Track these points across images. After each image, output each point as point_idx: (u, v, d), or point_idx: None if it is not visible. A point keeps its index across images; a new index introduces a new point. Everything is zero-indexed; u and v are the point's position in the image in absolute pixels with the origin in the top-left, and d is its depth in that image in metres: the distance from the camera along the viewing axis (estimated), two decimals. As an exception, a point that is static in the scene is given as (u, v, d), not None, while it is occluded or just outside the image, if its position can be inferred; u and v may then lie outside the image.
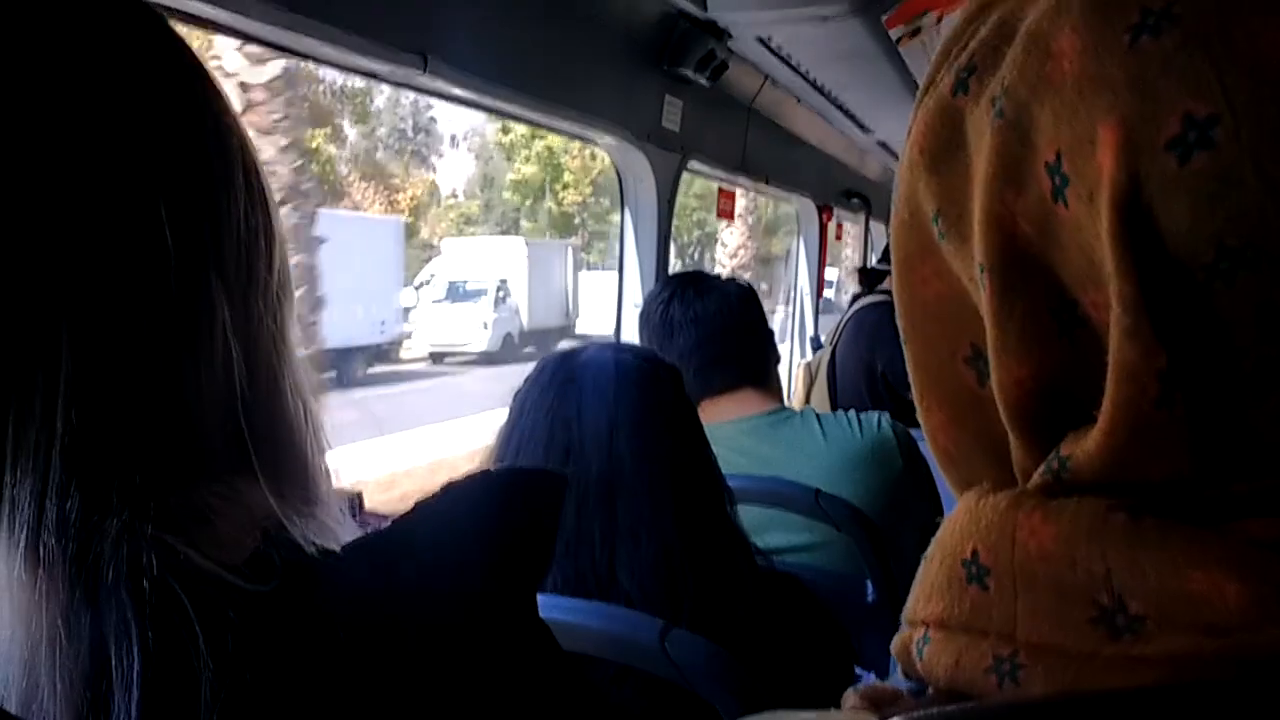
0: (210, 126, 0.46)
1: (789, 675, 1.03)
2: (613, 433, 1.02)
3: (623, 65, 2.12)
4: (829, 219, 4.26)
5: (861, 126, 3.64)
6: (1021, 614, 0.31)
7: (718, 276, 1.76)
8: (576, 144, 21.46)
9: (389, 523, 0.50)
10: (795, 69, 2.62)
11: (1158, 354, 0.28)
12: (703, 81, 2.28)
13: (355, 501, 0.53)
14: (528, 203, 28.27)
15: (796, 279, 4.44)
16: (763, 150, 3.16)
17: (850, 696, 0.41)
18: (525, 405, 1.07)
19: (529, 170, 27.15)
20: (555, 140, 23.70)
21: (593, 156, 24.71)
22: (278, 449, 0.47)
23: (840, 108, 3.24)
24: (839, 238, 4.74)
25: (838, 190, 4.40)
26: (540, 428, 1.04)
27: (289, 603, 0.43)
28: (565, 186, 27.23)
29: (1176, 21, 0.28)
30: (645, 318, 1.72)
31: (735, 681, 0.91)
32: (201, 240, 0.44)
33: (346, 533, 0.49)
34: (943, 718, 0.31)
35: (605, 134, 2.19)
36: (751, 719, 0.38)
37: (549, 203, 27.90)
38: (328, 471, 0.51)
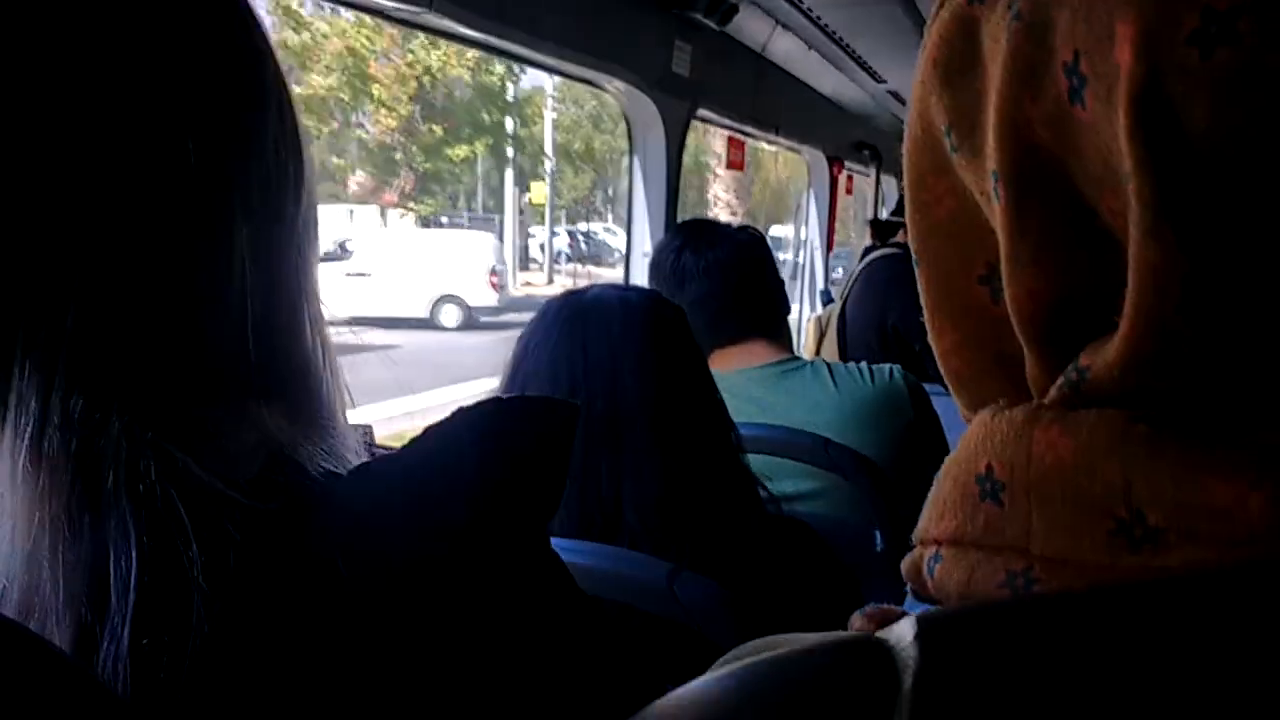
0: (245, 52, 0.46)
1: (795, 619, 1.03)
2: (618, 370, 1.03)
3: (631, 7, 2.08)
4: (839, 172, 4.23)
5: (873, 75, 3.60)
6: (1037, 528, 0.30)
7: (728, 225, 1.76)
8: (388, 36, 16.17)
9: (396, 450, 0.49)
10: (806, 14, 2.58)
11: (1179, 256, 0.27)
12: (712, 25, 2.24)
13: (366, 435, 0.53)
14: (327, 131, 17.54)
15: (807, 232, 4.41)
16: (773, 100, 3.13)
17: (856, 619, 0.41)
18: (530, 344, 1.07)
19: (327, 83, 16.39)
20: (362, 37, 16.01)
21: (411, 64, 17.12)
22: (293, 377, 0.47)
23: (851, 55, 3.20)
24: (849, 191, 4.70)
25: (849, 142, 4.36)
26: (545, 366, 1.04)
27: (289, 522, 0.43)
28: (378, 105, 17.68)
29: None
30: (656, 266, 1.71)
31: (743, 624, 0.91)
32: (226, 160, 0.44)
33: (357, 460, 0.48)
34: (962, 614, 0.30)
35: (614, 79, 2.17)
36: (754, 643, 0.38)
37: (359, 132, 18.85)
38: (344, 403, 0.51)
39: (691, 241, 1.67)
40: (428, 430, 0.48)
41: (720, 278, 1.65)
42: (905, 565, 0.36)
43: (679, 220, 2.46)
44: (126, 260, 0.41)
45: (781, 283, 1.78)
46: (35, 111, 0.40)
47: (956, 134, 0.34)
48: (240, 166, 0.45)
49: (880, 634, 0.30)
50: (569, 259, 21.70)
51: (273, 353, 0.46)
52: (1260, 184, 0.27)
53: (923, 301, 0.38)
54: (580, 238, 23.17)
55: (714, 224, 1.76)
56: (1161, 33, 0.27)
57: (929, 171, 0.37)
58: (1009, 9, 0.31)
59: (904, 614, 0.40)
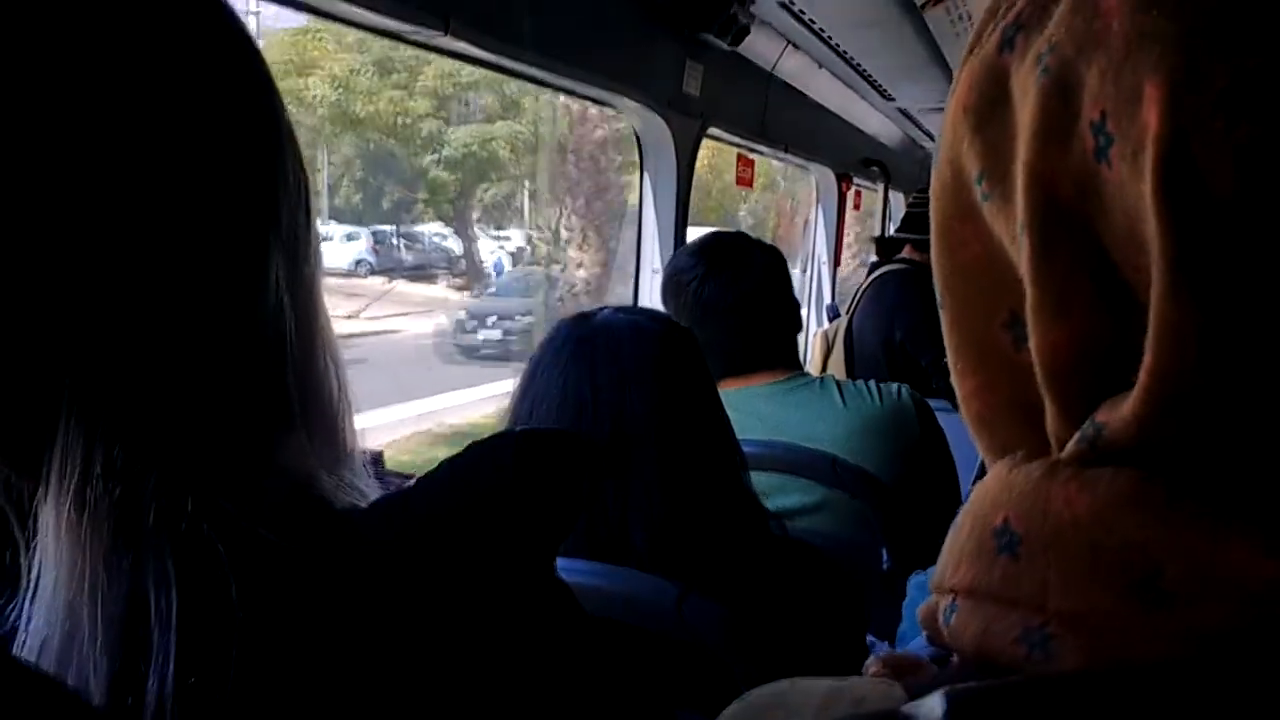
0: (260, 82, 0.47)
1: (801, 640, 1.04)
2: (626, 394, 1.03)
3: (643, 29, 2.10)
4: (848, 188, 4.24)
5: (883, 94, 3.61)
6: (1053, 583, 0.30)
7: (749, 244, 1.70)
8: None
9: (412, 481, 0.50)
10: (817, 34, 2.60)
11: (1198, 316, 0.28)
12: (723, 46, 2.26)
13: (376, 459, 0.54)
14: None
15: (815, 248, 4.41)
16: (783, 117, 3.14)
17: (873, 664, 0.41)
18: (540, 366, 1.07)
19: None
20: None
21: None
22: (311, 405, 0.48)
23: (862, 74, 3.21)
24: (857, 207, 4.71)
25: (857, 159, 4.36)
26: (554, 388, 1.05)
27: (317, 557, 0.44)
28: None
29: None
30: (674, 290, 1.66)
31: (750, 646, 0.92)
32: (260, 195, 0.45)
33: (371, 490, 0.49)
34: (993, 691, 0.30)
35: (626, 99, 2.18)
36: (771, 686, 0.38)
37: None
38: (354, 429, 0.51)
39: (715, 270, 1.62)
40: (444, 464, 0.49)
41: (745, 315, 1.63)
42: (921, 612, 0.36)
43: (679, 237, 2.46)
44: (172, 309, 0.42)
45: (798, 305, 1.76)
46: (80, 165, 0.40)
47: (988, 181, 0.34)
48: (271, 198, 0.46)
49: (908, 708, 0.30)
50: (371, 270, 15.15)
51: (299, 383, 0.47)
52: None
53: (946, 343, 0.38)
54: (395, 241, 15.99)
55: (736, 245, 1.69)
56: (1189, 96, 0.27)
57: (955, 216, 0.37)
58: (1037, 63, 0.32)
59: (921, 662, 0.41)
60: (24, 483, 0.42)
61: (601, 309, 1.12)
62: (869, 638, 1.29)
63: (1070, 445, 0.32)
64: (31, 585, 0.41)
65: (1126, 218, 0.29)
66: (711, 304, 1.61)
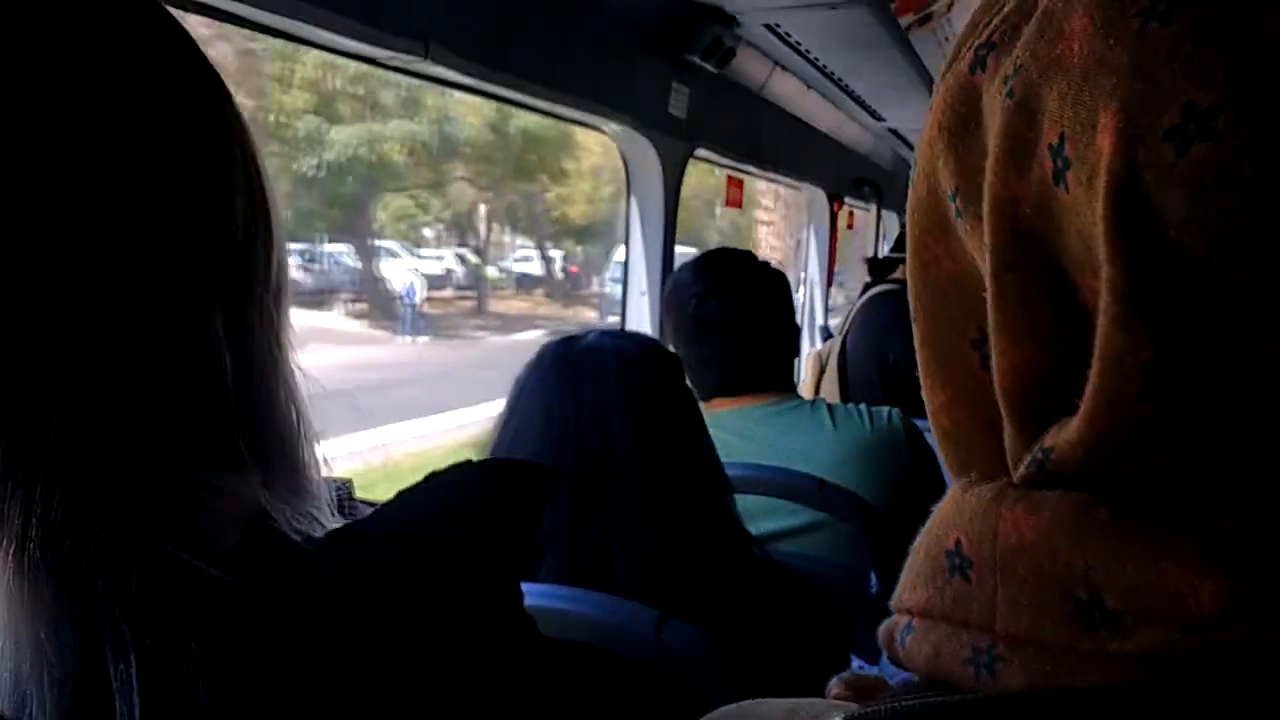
0: (210, 128, 0.46)
1: (785, 666, 1.03)
2: (610, 420, 1.02)
3: (629, 51, 2.10)
4: (840, 208, 4.24)
5: (872, 114, 3.62)
6: (1001, 606, 0.31)
7: (754, 264, 1.68)
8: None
9: (370, 511, 0.49)
10: (804, 56, 2.60)
11: (1144, 345, 0.28)
12: (709, 68, 2.26)
13: (345, 489, 0.53)
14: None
15: (807, 269, 4.42)
16: (772, 138, 3.15)
17: (834, 686, 0.41)
18: (523, 391, 1.07)
19: None
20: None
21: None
22: (268, 447, 0.48)
23: (851, 95, 3.22)
24: (850, 226, 4.72)
25: (849, 179, 4.37)
26: (538, 414, 1.04)
27: (275, 593, 0.43)
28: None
29: (1185, 9, 0.27)
30: (674, 305, 1.65)
31: (731, 672, 0.91)
32: (197, 253, 0.44)
33: (330, 521, 0.49)
34: (885, 714, 0.31)
35: (611, 121, 2.18)
36: (732, 706, 0.38)
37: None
38: (318, 465, 0.51)
39: (716, 288, 1.61)
40: (401, 494, 0.49)
41: (743, 336, 1.61)
42: (882, 631, 0.37)
43: (666, 259, 2.46)
44: (105, 367, 0.41)
45: (798, 329, 1.75)
46: (7, 221, 0.39)
47: (962, 199, 0.35)
48: (210, 256, 0.45)
49: None
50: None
51: (249, 427, 0.46)
52: (1229, 280, 0.27)
53: (918, 358, 0.39)
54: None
55: (741, 263, 1.67)
56: (1141, 126, 0.27)
57: (928, 232, 0.37)
58: (1004, 84, 0.32)
59: (880, 681, 0.41)
60: None
61: (588, 332, 1.11)
62: (856, 662, 1.27)
63: (1021, 468, 0.33)
64: None
65: (1082, 241, 0.30)
66: (711, 322, 1.60)
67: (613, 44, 2.04)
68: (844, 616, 1.15)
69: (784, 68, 2.80)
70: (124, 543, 0.40)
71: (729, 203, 3.17)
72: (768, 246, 13.83)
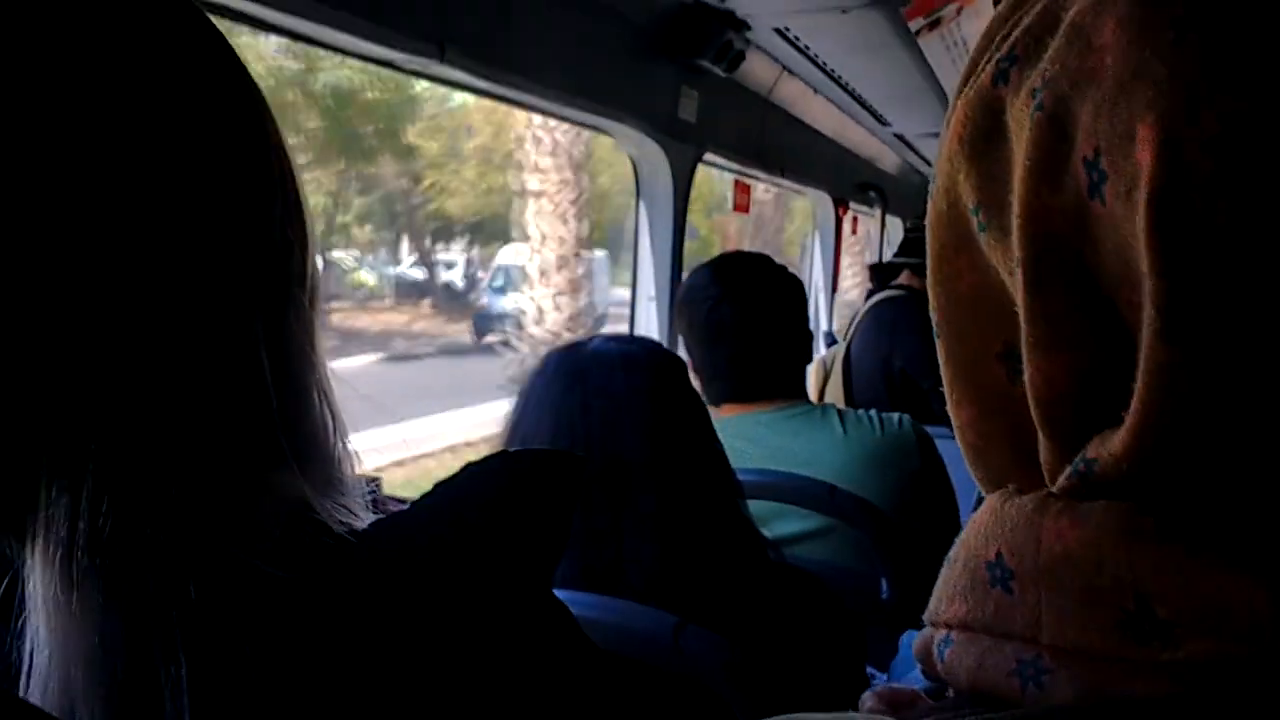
0: (250, 135, 0.46)
1: (800, 671, 1.02)
2: (619, 426, 1.02)
3: (639, 55, 2.11)
4: (844, 213, 4.24)
5: (879, 119, 3.63)
6: (1046, 617, 0.31)
7: (769, 268, 1.66)
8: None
9: (408, 505, 0.50)
10: (813, 60, 2.61)
11: (1189, 356, 0.28)
12: (719, 72, 2.27)
13: (375, 485, 0.54)
14: None
15: (812, 274, 4.42)
16: (779, 142, 3.15)
17: (868, 699, 0.41)
18: (530, 399, 1.06)
19: None
20: None
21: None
22: (305, 444, 0.48)
23: (858, 100, 3.23)
24: (854, 231, 4.72)
25: (854, 183, 4.38)
26: (545, 421, 1.03)
27: (323, 587, 0.44)
28: None
29: (1221, 18, 0.27)
30: (687, 308, 1.64)
31: (748, 678, 0.91)
32: (240, 259, 0.44)
33: (365, 515, 0.49)
34: None
35: (621, 125, 2.18)
36: None
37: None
38: (349, 459, 0.51)
39: (731, 293, 1.59)
40: (438, 486, 0.50)
41: (756, 342, 1.60)
42: (916, 645, 0.36)
43: (675, 263, 2.46)
44: (150, 372, 0.41)
45: (810, 336, 1.73)
46: (53, 216, 0.39)
47: (985, 213, 0.34)
48: (253, 261, 0.45)
49: None
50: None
51: (287, 424, 0.47)
52: (1275, 291, 0.27)
53: (942, 372, 0.39)
54: None
55: (756, 267, 1.65)
56: (1183, 136, 0.27)
57: (951, 246, 0.37)
58: (1032, 97, 0.32)
59: (915, 694, 0.40)
60: (12, 544, 0.41)
61: (592, 338, 1.11)
62: (868, 669, 1.27)
63: (1062, 479, 0.33)
64: (27, 660, 0.40)
65: (1120, 254, 0.30)
66: (724, 327, 1.59)
67: (624, 48, 2.04)
68: (858, 621, 1.15)
69: (792, 72, 2.81)
70: (174, 544, 0.40)
71: (736, 207, 3.17)
72: (540, 234, 9.44)
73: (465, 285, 16.70)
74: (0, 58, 0.39)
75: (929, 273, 0.38)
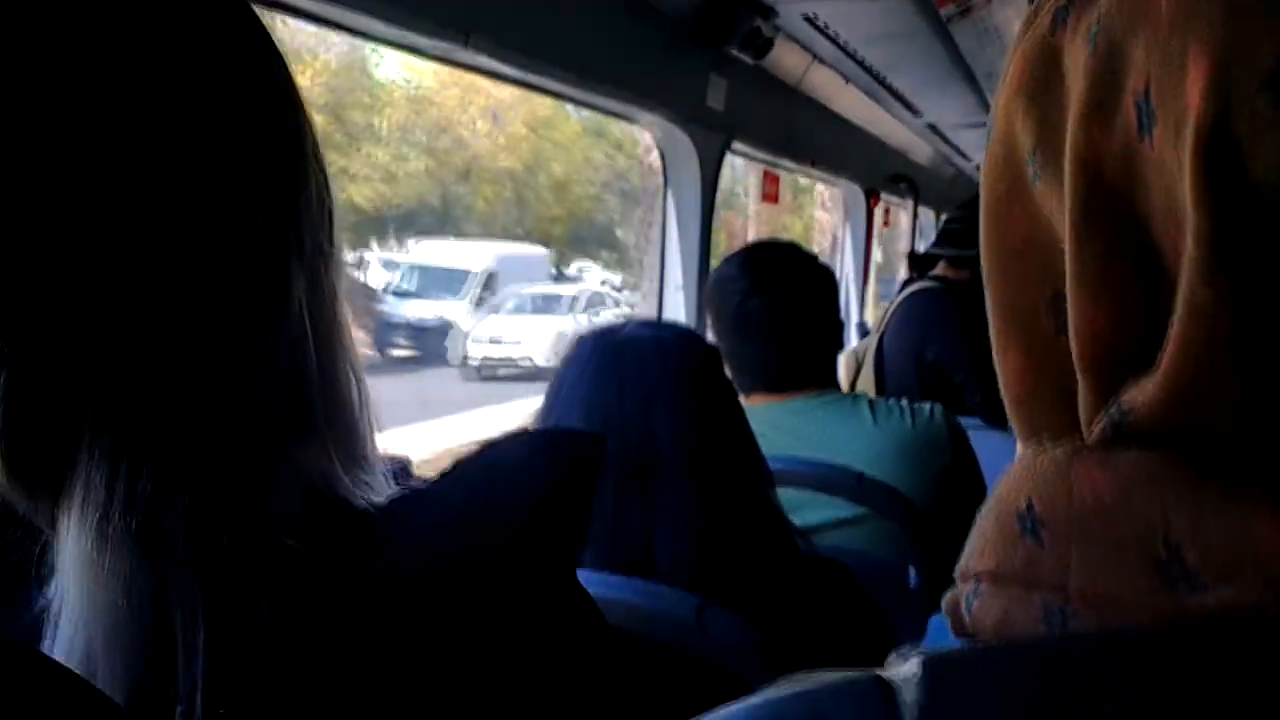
0: (288, 105, 0.47)
1: (825, 660, 1.02)
2: (650, 411, 1.02)
3: (666, 42, 2.10)
4: (876, 204, 4.22)
5: (910, 109, 3.60)
6: (1076, 565, 0.30)
7: (799, 258, 1.65)
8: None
9: (429, 481, 0.50)
10: (843, 48, 2.59)
11: (1228, 297, 0.27)
12: (747, 60, 2.26)
13: (404, 467, 0.54)
14: None
15: (843, 266, 4.40)
16: (808, 132, 3.13)
17: (894, 659, 0.40)
18: (563, 383, 1.07)
19: None
20: None
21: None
22: (331, 415, 0.48)
23: (889, 89, 3.20)
24: (886, 224, 4.69)
25: (885, 175, 4.35)
26: (578, 405, 1.04)
27: (342, 560, 0.44)
28: None
29: None
30: (717, 300, 1.63)
31: (771, 659, 0.90)
32: (284, 218, 0.45)
33: (387, 490, 0.50)
34: (971, 654, 0.30)
35: (648, 113, 2.18)
36: (780, 683, 0.38)
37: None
38: (374, 434, 0.52)
39: (761, 284, 1.57)
40: (459, 463, 0.50)
41: (787, 333, 1.58)
42: (946, 602, 0.36)
43: (703, 252, 2.45)
44: (194, 334, 0.42)
45: (841, 325, 1.72)
46: (98, 185, 0.40)
47: (1041, 158, 0.34)
48: (295, 222, 0.46)
49: (885, 672, 0.30)
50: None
51: (320, 397, 0.47)
52: None
53: (990, 321, 0.39)
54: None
55: (787, 257, 1.63)
56: (1234, 74, 0.27)
57: (1004, 194, 0.37)
58: (1087, 39, 0.32)
59: None
60: (46, 509, 0.42)
61: (626, 323, 1.11)
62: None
63: (1094, 428, 0.32)
64: (53, 622, 0.41)
65: (1167, 195, 0.29)
66: (754, 318, 1.57)
67: (651, 35, 2.04)
68: (886, 610, 1.14)
69: (822, 60, 2.79)
70: (208, 509, 0.41)
71: (765, 198, 3.16)
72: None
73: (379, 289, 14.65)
74: (51, 36, 0.40)
75: (982, 221, 0.38)
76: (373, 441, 0.51)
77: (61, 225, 0.39)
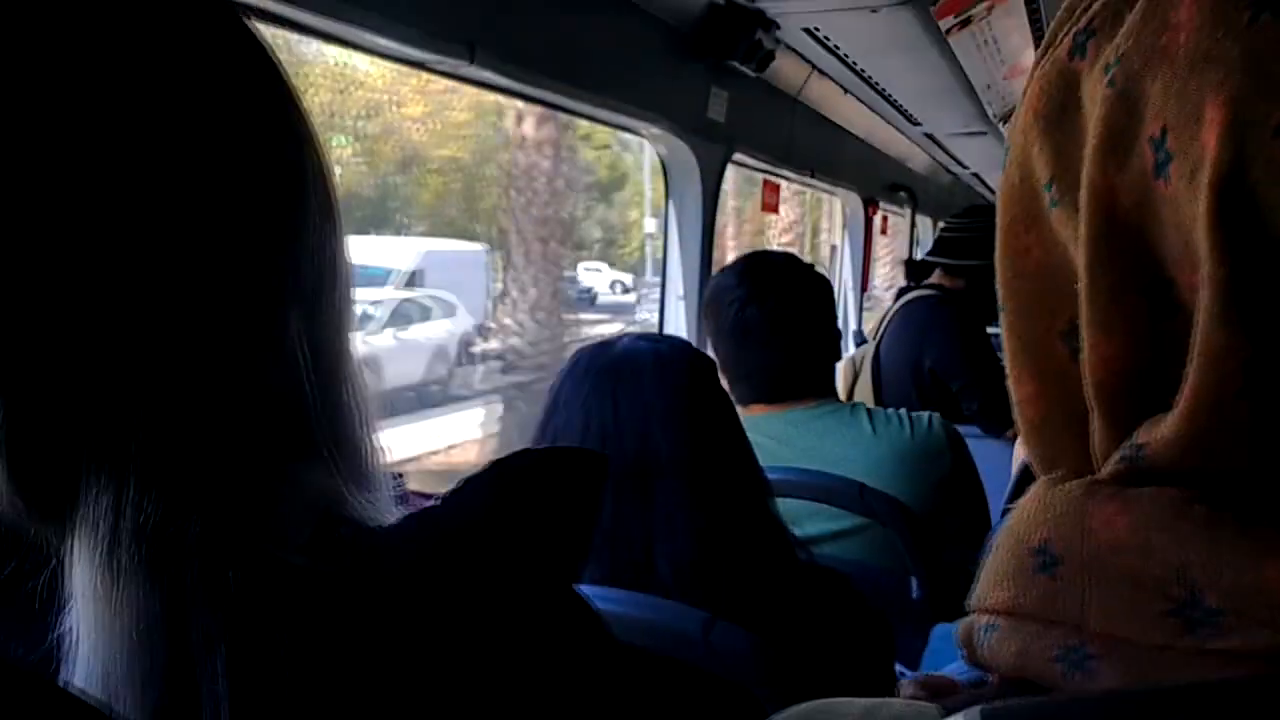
0: (288, 137, 0.47)
1: (829, 669, 1.02)
2: (649, 424, 1.02)
3: (668, 55, 2.11)
4: (874, 213, 4.22)
5: (909, 119, 3.61)
6: (1092, 604, 0.30)
7: (795, 268, 1.66)
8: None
9: (436, 499, 0.51)
10: (843, 60, 2.60)
11: (1244, 343, 0.27)
12: (748, 72, 2.26)
13: (400, 480, 0.54)
14: None
15: (841, 274, 4.40)
16: (808, 142, 3.14)
17: (907, 687, 0.41)
18: (560, 397, 1.07)
19: None
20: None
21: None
22: (336, 438, 0.49)
23: (888, 99, 3.21)
24: (884, 231, 4.70)
25: (884, 184, 4.36)
26: (576, 419, 1.04)
27: (353, 580, 0.44)
28: None
29: None
30: (714, 310, 1.63)
31: (778, 674, 0.91)
32: (277, 252, 0.45)
33: (393, 510, 0.50)
34: (1027, 709, 0.30)
35: (650, 125, 2.19)
36: (802, 706, 0.38)
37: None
38: (377, 455, 0.52)
39: (758, 294, 1.58)
40: (465, 483, 0.50)
41: (784, 342, 1.59)
42: (959, 633, 0.36)
43: (704, 263, 2.46)
44: (191, 363, 0.42)
45: (839, 335, 1.72)
46: (96, 211, 0.40)
47: (1058, 188, 0.34)
48: (289, 254, 0.46)
49: None
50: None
51: (319, 424, 0.47)
52: None
53: (1004, 347, 0.38)
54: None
55: (783, 267, 1.64)
56: (1250, 120, 0.27)
57: (1020, 221, 0.36)
58: (1105, 73, 0.31)
59: (953, 683, 0.40)
60: (56, 536, 0.42)
61: (622, 337, 1.11)
62: (897, 667, 1.27)
63: (1110, 464, 0.32)
64: (71, 647, 0.40)
65: (1182, 236, 0.29)
66: (752, 328, 1.58)
67: (653, 48, 2.04)
68: (887, 620, 1.15)
69: (821, 72, 2.80)
70: (215, 535, 0.41)
71: (764, 208, 3.17)
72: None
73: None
74: (52, 50, 0.40)
75: (997, 246, 0.38)
76: (378, 461, 0.51)
77: (59, 249, 0.39)
